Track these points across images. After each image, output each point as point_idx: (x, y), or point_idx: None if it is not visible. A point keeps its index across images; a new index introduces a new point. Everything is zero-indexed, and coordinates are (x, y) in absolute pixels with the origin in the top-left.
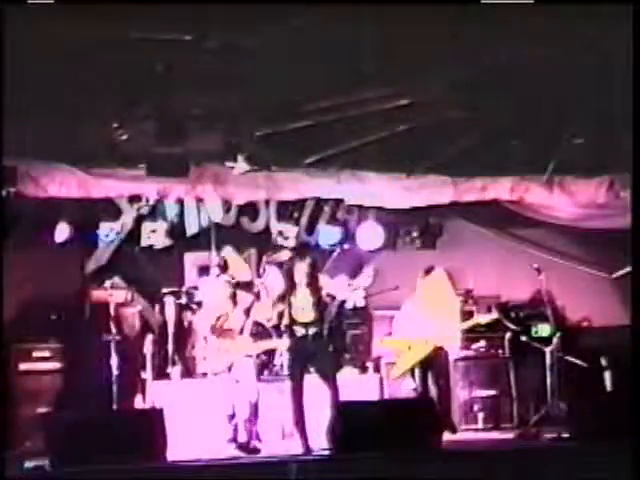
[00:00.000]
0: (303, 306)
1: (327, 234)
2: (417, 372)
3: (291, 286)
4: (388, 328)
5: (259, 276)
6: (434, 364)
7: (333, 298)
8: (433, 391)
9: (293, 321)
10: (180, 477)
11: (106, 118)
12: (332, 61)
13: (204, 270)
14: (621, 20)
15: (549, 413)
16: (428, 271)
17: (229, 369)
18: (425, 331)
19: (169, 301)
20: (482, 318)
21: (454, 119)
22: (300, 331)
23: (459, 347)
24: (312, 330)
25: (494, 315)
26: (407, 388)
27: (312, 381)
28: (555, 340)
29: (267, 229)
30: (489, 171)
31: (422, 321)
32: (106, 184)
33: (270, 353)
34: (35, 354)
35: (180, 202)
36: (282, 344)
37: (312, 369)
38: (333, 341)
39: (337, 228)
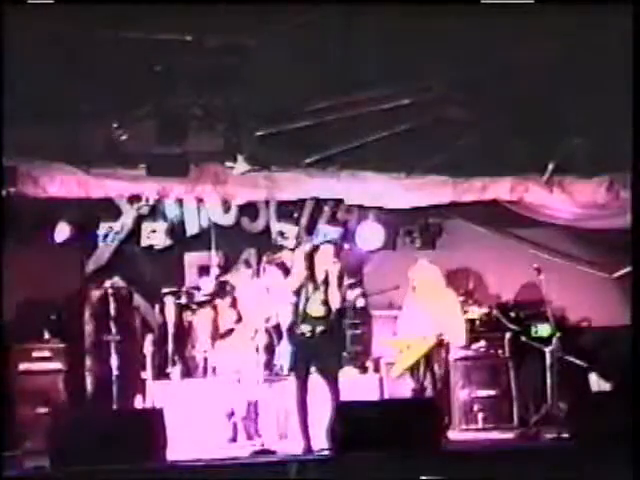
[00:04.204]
0: (318, 301)
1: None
2: (416, 370)
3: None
4: (388, 328)
5: (259, 276)
6: (433, 361)
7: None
8: (431, 389)
9: (306, 316)
10: (180, 477)
11: (106, 118)
12: (332, 61)
13: (204, 270)
14: (621, 20)
15: (549, 413)
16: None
17: (230, 368)
18: (426, 327)
19: (169, 301)
20: (472, 314)
21: (454, 119)
22: (307, 328)
23: (464, 339)
24: (319, 328)
25: (484, 309)
26: (407, 388)
27: (314, 380)
28: (555, 340)
29: (267, 229)
30: (489, 171)
31: (422, 317)
32: (106, 184)
33: (270, 353)
34: (35, 354)
35: (180, 202)
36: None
37: (314, 368)
38: (336, 340)
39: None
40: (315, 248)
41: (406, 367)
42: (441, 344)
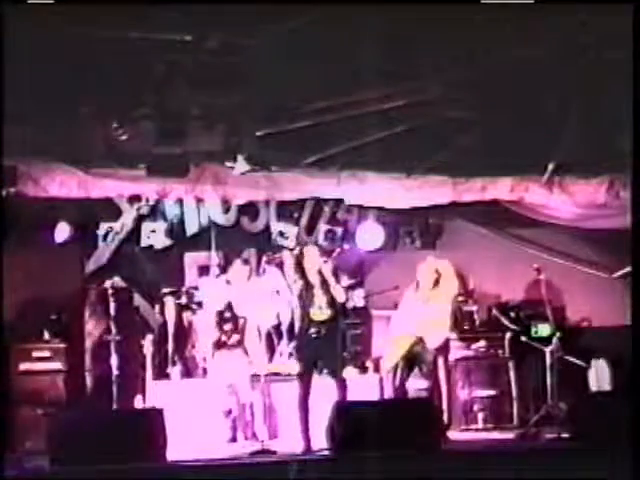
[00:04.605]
0: (321, 304)
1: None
2: (399, 369)
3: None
4: (388, 328)
5: (258, 275)
6: (421, 361)
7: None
8: (415, 390)
9: (310, 320)
10: (180, 477)
11: (106, 118)
12: (332, 61)
13: (204, 270)
14: (621, 20)
15: (549, 413)
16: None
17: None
18: (413, 326)
19: (169, 301)
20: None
21: (454, 119)
22: (311, 330)
23: (438, 343)
24: (322, 329)
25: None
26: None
27: (315, 380)
28: (555, 340)
29: (267, 229)
30: (489, 171)
31: (415, 315)
32: (106, 184)
33: (271, 353)
34: (35, 354)
35: (180, 202)
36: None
37: (316, 368)
38: (338, 341)
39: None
40: (300, 255)
41: (391, 365)
42: (420, 343)
